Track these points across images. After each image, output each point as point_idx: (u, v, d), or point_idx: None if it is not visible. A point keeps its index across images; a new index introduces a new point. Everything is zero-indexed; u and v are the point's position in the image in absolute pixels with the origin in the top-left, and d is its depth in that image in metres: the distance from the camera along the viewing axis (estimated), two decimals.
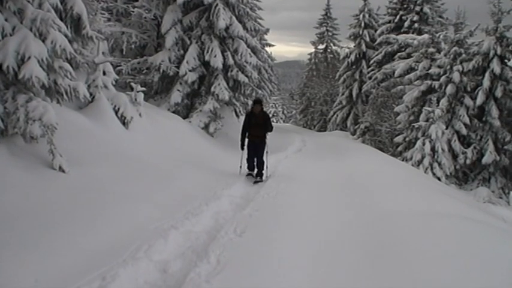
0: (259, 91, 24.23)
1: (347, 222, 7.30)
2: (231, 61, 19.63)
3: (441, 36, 23.15)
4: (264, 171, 11.48)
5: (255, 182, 11.00)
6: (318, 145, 23.38)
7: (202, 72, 19.63)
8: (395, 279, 5.00)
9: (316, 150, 20.57)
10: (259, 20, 28.74)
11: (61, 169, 7.54)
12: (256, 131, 11.39)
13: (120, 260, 5.33)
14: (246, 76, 20.81)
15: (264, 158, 11.52)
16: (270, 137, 11.80)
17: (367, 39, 36.20)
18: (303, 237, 6.48)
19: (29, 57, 6.96)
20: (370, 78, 33.21)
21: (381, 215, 7.49)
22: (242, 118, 24.25)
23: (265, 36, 34.73)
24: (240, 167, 11.80)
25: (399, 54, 28.31)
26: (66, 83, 8.06)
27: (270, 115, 66.06)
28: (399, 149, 22.85)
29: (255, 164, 11.47)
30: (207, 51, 19.03)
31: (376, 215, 7.54)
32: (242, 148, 11.56)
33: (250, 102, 28.50)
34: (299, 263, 5.51)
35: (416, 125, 20.47)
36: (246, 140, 11.50)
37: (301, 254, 5.78)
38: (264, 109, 12.25)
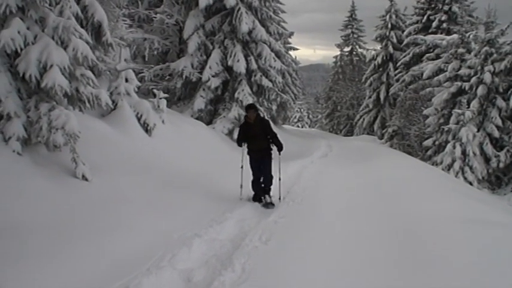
0: (284, 96, 24.18)
1: (375, 229, 7.20)
2: (254, 66, 19.66)
3: (471, 36, 22.80)
4: (272, 187, 9.52)
5: (266, 205, 9.18)
6: (344, 150, 23.22)
7: (225, 78, 19.69)
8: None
9: (343, 155, 20.43)
10: (282, 24, 28.78)
11: (84, 177, 7.62)
12: (256, 143, 9.38)
13: (143, 269, 5.35)
14: (270, 81, 20.82)
15: (273, 173, 9.53)
16: (292, 143, 11.30)
17: (394, 40, 35.93)
18: (329, 245, 6.41)
19: (51, 66, 7.07)
20: (397, 80, 32.90)
21: (410, 222, 7.38)
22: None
23: (289, 40, 34.75)
24: (241, 186, 9.61)
25: (427, 55, 27.99)
26: (88, 91, 8.15)
27: (295, 120, 65.89)
28: (428, 153, 22.53)
29: (262, 180, 9.50)
30: (230, 56, 19.09)
31: (405, 222, 7.43)
32: (240, 145, 9.67)
33: (274, 107, 28.59)
34: (326, 272, 5.45)
35: (446, 128, 20.19)
36: (247, 156, 9.61)
37: (328, 263, 5.72)
38: (262, 115, 10.52)
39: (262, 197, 9.37)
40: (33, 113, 7.22)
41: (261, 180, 9.47)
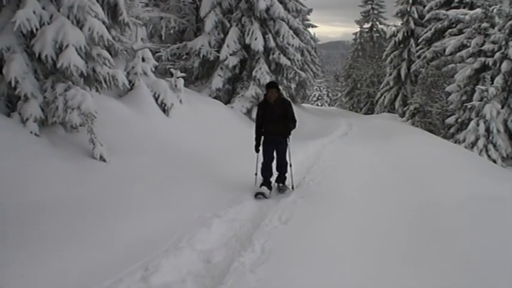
0: (303, 74, 23.99)
1: (396, 208, 7.15)
2: (272, 44, 19.52)
3: (495, 10, 22.31)
4: (287, 175, 8.88)
5: (280, 189, 8.72)
6: (364, 128, 23.05)
7: (243, 56, 19.59)
8: (445, 272, 4.87)
9: (363, 133, 20.28)
10: (300, 0, 28.44)
11: (102, 158, 7.65)
12: (274, 126, 8.48)
13: (162, 249, 5.36)
14: (289, 59, 20.67)
15: (288, 159, 8.82)
16: (312, 122, 11.06)
17: (416, 16, 35.34)
18: (349, 225, 6.39)
19: (67, 46, 7.07)
20: (419, 57, 32.44)
21: (432, 200, 7.34)
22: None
23: (308, 17, 34.43)
24: (256, 174, 8.77)
25: (450, 30, 27.52)
26: (104, 71, 8.15)
27: (315, 98, 65.57)
28: (451, 130, 22.27)
29: (276, 167, 8.80)
30: (248, 34, 18.97)
31: (427, 200, 7.39)
32: (257, 150, 8.64)
33: (293, 86, 28.41)
34: (346, 252, 5.42)
35: (469, 105, 19.90)
36: (262, 138, 8.69)
37: (348, 243, 5.70)
38: (283, 95, 9.15)
39: (277, 184, 8.80)
40: (49, 94, 7.25)
41: (275, 167, 8.78)
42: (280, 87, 19.88)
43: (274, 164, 8.74)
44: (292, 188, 8.75)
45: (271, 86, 8.50)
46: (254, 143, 8.60)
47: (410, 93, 33.09)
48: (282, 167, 8.76)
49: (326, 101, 67.25)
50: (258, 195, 8.14)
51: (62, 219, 5.61)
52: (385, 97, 38.58)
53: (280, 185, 8.76)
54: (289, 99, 8.60)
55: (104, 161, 7.68)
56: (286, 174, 8.84)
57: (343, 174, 9.82)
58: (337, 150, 13.71)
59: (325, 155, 12.69)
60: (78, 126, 7.53)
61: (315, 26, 36.82)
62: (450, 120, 22.37)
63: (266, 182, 8.57)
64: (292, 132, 8.69)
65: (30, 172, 6.35)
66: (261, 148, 8.63)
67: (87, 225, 5.64)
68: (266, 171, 8.66)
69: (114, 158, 7.89)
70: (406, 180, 9.10)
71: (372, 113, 42.45)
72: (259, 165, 8.70)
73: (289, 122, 8.44)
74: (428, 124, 26.03)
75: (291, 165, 8.87)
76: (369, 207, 7.22)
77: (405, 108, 31.32)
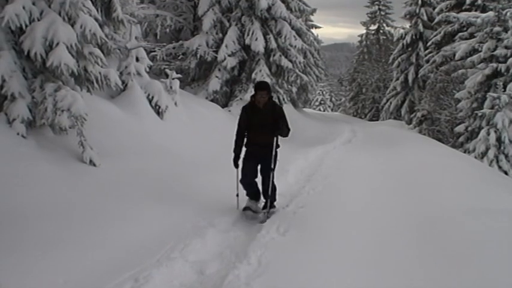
0: (305, 77, 24.04)
1: (399, 220, 7.16)
2: (273, 44, 19.56)
3: (508, 14, 22.39)
4: (276, 199, 7.74)
5: (265, 216, 7.38)
6: (369, 135, 23.06)
7: (242, 57, 19.63)
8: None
9: (368, 141, 20.29)
10: None
11: (92, 162, 7.68)
12: (261, 136, 7.30)
13: (153, 260, 5.37)
14: (290, 61, 20.71)
15: (275, 178, 7.53)
16: (313, 127, 10.80)
17: (425, 18, 35.42)
18: (350, 236, 6.39)
19: (58, 43, 7.10)
20: (427, 61, 32.49)
21: (439, 212, 7.34)
22: (285, 107, 24.26)
23: (311, 17, 34.51)
24: (237, 195, 7.65)
25: (460, 34, 27.57)
26: (96, 70, 8.19)
27: (317, 103, 65.62)
28: (460, 139, 22.29)
29: (261, 188, 7.65)
30: (248, 34, 19.01)
31: (434, 212, 7.39)
32: (236, 164, 7.46)
33: (295, 89, 28.44)
34: (347, 266, 5.43)
35: (479, 113, 19.91)
36: (244, 150, 7.55)
37: (348, 256, 5.70)
38: (274, 99, 7.84)
39: (252, 209, 7.51)
40: (38, 94, 7.29)
41: (260, 188, 7.67)
42: (280, 91, 19.61)
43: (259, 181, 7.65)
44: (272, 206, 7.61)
45: (262, 87, 7.28)
46: (232, 155, 7.43)
47: (418, 100, 33.11)
48: (268, 190, 7.49)
49: (329, 106, 67.36)
50: (246, 210, 7.41)
51: (49, 225, 5.62)
52: (391, 103, 38.62)
53: (268, 212, 7.46)
54: (281, 104, 7.56)
55: (94, 165, 7.70)
56: (275, 203, 7.72)
57: (346, 183, 9.82)
58: (339, 158, 13.72)
59: (327, 162, 12.70)
60: (67, 129, 7.55)
61: (319, 27, 36.85)
62: (459, 128, 22.39)
63: (253, 194, 7.65)
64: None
65: (16, 176, 6.36)
66: (240, 163, 7.49)
67: (75, 232, 5.65)
68: (250, 186, 7.58)
69: (105, 162, 7.91)
70: (412, 190, 9.10)
71: (377, 120, 42.50)
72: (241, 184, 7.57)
73: (280, 130, 7.24)
74: (436, 132, 26.06)
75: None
76: (372, 218, 7.23)
77: (412, 115, 31.33)
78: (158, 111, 11.65)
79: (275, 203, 7.71)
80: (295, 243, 6.10)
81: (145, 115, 11.01)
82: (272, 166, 7.36)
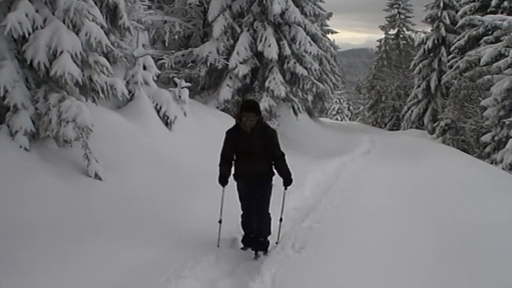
0: (321, 85, 24.04)
1: (421, 237, 7.11)
2: (287, 51, 19.57)
3: None
4: (269, 239, 6.80)
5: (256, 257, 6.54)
6: (389, 146, 23.01)
7: (254, 65, 19.65)
8: None
9: (388, 151, 20.24)
10: (319, 3, 28.59)
11: (97, 176, 7.71)
12: (250, 165, 6.47)
13: (162, 278, 5.37)
14: (305, 68, 20.70)
15: (270, 210, 6.71)
16: (330, 138, 10.74)
17: (447, 21, 35.34)
18: (371, 255, 6.35)
19: (62, 52, 7.16)
20: (450, 67, 32.38)
21: (460, 229, 7.28)
22: (301, 117, 24.25)
23: (327, 22, 34.58)
24: (220, 221, 6.66)
25: (485, 38, 27.44)
26: (102, 80, 8.24)
27: (334, 112, 65.54)
28: (487, 149, 22.17)
29: (256, 225, 6.69)
30: (260, 40, 19.02)
31: (461, 228, 7.34)
32: (222, 183, 6.54)
33: (310, 98, 28.42)
34: (366, 285, 5.41)
35: (507, 121, 19.81)
36: (233, 179, 6.70)
37: (368, 275, 5.67)
38: (268, 121, 7.10)
39: (254, 252, 6.63)
40: (41, 105, 7.33)
41: (252, 222, 6.74)
42: (295, 99, 19.42)
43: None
44: (276, 242, 6.82)
45: (249, 107, 6.35)
46: (218, 176, 6.58)
47: (441, 108, 32.98)
48: (260, 224, 6.65)
49: (347, 115, 67.22)
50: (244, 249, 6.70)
51: (52, 242, 5.66)
52: (412, 111, 38.47)
53: (258, 253, 6.59)
54: (274, 127, 6.58)
55: (100, 179, 7.74)
56: (269, 238, 6.80)
57: (366, 197, 9.79)
58: (358, 170, 13.69)
59: (345, 175, 12.68)
60: (72, 141, 7.59)
61: (335, 32, 36.95)
62: (486, 138, 22.26)
63: (249, 239, 6.81)
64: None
65: (19, 190, 6.41)
66: (234, 186, 6.70)
67: (79, 249, 5.67)
68: (248, 223, 6.80)
69: (111, 175, 7.95)
70: (436, 204, 9.05)
71: (398, 129, 42.36)
72: (228, 207, 6.72)
73: (275, 161, 6.53)
74: (461, 142, 25.93)
75: (281, 219, 6.88)
76: (392, 235, 7.19)
77: (435, 124, 31.23)
78: (167, 121, 11.69)
79: (268, 240, 6.75)
80: (311, 260, 6.08)
81: (153, 126, 11.05)
82: (268, 197, 6.61)
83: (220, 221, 6.63)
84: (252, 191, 6.57)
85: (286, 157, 6.58)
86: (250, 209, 6.63)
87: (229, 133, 6.55)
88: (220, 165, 6.59)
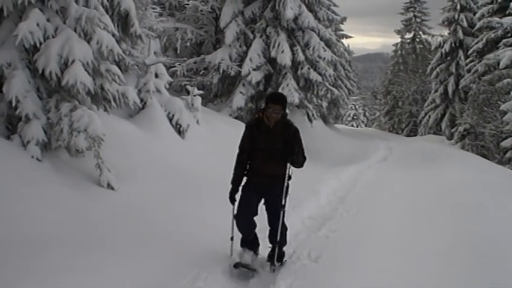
0: (336, 91, 24.06)
1: (441, 245, 7.07)
2: (301, 57, 19.60)
3: None
4: (287, 243, 6.52)
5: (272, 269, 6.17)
6: (406, 152, 22.92)
7: (268, 71, 19.69)
8: None
9: (405, 158, 20.16)
10: (333, 8, 28.63)
11: (110, 186, 7.75)
12: (267, 162, 6.01)
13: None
14: (319, 74, 20.72)
15: (285, 219, 6.24)
16: (346, 145, 10.59)
17: (465, 24, 35.20)
18: (389, 265, 6.33)
19: (73, 61, 7.21)
20: (469, 71, 32.24)
21: (482, 240, 7.22)
22: (315, 123, 24.19)
23: (341, 26, 34.60)
24: (232, 238, 6.29)
25: (505, 40, 27.29)
26: (114, 88, 8.29)
27: (349, 118, 65.39)
28: (508, 155, 22.02)
29: (268, 234, 6.38)
30: (273, 46, 19.08)
31: (483, 239, 7.27)
32: (232, 200, 6.20)
33: (325, 104, 28.36)
34: None
35: None
36: (244, 180, 6.26)
37: (384, 285, 5.65)
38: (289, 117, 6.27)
39: (269, 263, 6.25)
40: (53, 114, 7.38)
41: (268, 235, 6.37)
42: (309, 106, 19.49)
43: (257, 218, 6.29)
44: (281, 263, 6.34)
45: (276, 99, 5.96)
46: (230, 186, 6.22)
47: (459, 113, 32.81)
48: (276, 233, 6.14)
49: (362, 121, 67.04)
50: (238, 267, 5.99)
51: (64, 253, 5.67)
52: (430, 117, 38.32)
53: (275, 265, 6.21)
54: (296, 126, 6.09)
55: (112, 189, 7.78)
56: (284, 248, 6.43)
57: (383, 205, 9.76)
58: (375, 178, 13.66)
59: (362, 182, 12.65)
60: (84, 151, 7.64)
61: (350, 37, 36.97)
62: (506, 143, 22.11)
63: (248, 242, 6.28)
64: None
65: (31, 201, 6.45)
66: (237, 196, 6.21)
67: (92, 261, 5.68)
68: (245, 225, 6.21)
69: (123, 185, 7.99)
70: (456, 213, 8.98)
71: (415, 135, 42.20)
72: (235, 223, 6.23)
73: (295, 156, 5.93)
74: (480, 148, 25.78)
75: (283, 206, 6.14)
76: (411, 243, 7.16)
77: (453, 130, 31.07)
78: (179, 130, 11.74)
79: (284, 250, 6.42)
80: (328, 270, 6.07)
81: (166, 135, 11.10)
82: (283, 203, 6.07)
83: (232, 238, 6.27)
84: (262, 192, 6.14)
85: (306, 163, 6.11)
86: (250, 210, 6.10)
87: (250, 126, 6.14)
88: (235, 168, 6.21)
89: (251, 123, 6.20)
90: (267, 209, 6.21)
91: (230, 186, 6.19)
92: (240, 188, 6.19)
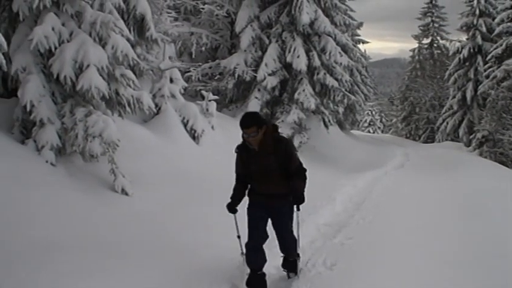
0: (352, 96, 23.99)
1: (459, 252, 7.01)
2: (317, 62, 19.55)
3: None
4: (298, 262, 6.30)
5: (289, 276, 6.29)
6: (423, 159, 22.80)
7: (283, 76, 19.67)
8: None
9: (422, 165, 20.05)
10: (349, 12, 28.58)
11: (124, 192, 7.77)
12: (263, 185, 5.76)
13: None
14: (336, 79, 20.65)
15: (295, 232, 6.10)
16: (362, 151, 10.53)
17: (483, 29, 34.98)
18: (406, 273, 6.28)
19: (88, 66, 7.25)
20: (487, 77, 32.01)
21: (502, 248, 7.15)
22: (331, 129, 24.12)
23: (358, 31, 34.53)
24: (239, 236, 6.06)
25: None
26: (128, 93, 8.32)
27: (366, 124, 65.19)
28: None
29: (279, 247, 6.16)
30: (289, 51, 19.05)
31: (496, 247, 7.20)
32: (232, 209, 5.92)
33: (341, 110, 28.29)
34: None
35: None
36: (247, 200, 6.03)
37: None
38: (280, 130, 6.08)
39: (286, 270, 6.32)
40: (68, 119, 7.43)
41: (279, 246, 6.15)
42: (326, 112, 19.42)
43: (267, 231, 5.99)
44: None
45: (245, 123, 5.55)
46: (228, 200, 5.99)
47: (478, 119, 32.58)
48: (287, 244, 6.12)
49: (379, 127, 66.78)
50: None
51: (78, 259, 5.69)
52: (447, 123, 38.07)
53: (291, 274, 6.28)
54: (286, 136, 5.81)
55: (126, 194, 7.80)
56: (297, 258, 6.32)
57: (399, 212, 9.69)
58: (392, 184, 13.58)
59: (378, 189, 12.58)
60: (99, 156, 7.66)
61: (367, 42, 36.90)
62: None
63: (256, 277, 5.84)
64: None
65: (45, 206, 6.49)
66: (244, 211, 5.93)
67: (106, 267, 5.69)
68: (255, 256, 5.85)
69: (138, 191, 8.00)
70: (476, 221, 8.90)
71: (432, 142, 41.94)
72: (243, 226, 6.00)
73: (293, 174, 5.70)
74: (499, 155, 25.58)
75: (298, 256, 6.28)
76: (429, 251, 7.10)
77: (471, 136, 30.83)
78: (194, 135, 11.75)
79: (298, 257, 6.30)
80: (343, 278, 6.03)
81: (180, 140, 11.11)
82: (289, 221, 5.95)
83: (238, 236, 6.04)
84: (268, 214, 5.88)
85: (307, 172, 5.84)
86: (260, 232, 5.85)
87: (239, 152, 5.86)
88: (235, 188, 5.99)
89: (240, 147, 5.87)
90: (275, 229, 5.98)
91: (229, 200, 5.96)
92: (246, 211, 5.90)
